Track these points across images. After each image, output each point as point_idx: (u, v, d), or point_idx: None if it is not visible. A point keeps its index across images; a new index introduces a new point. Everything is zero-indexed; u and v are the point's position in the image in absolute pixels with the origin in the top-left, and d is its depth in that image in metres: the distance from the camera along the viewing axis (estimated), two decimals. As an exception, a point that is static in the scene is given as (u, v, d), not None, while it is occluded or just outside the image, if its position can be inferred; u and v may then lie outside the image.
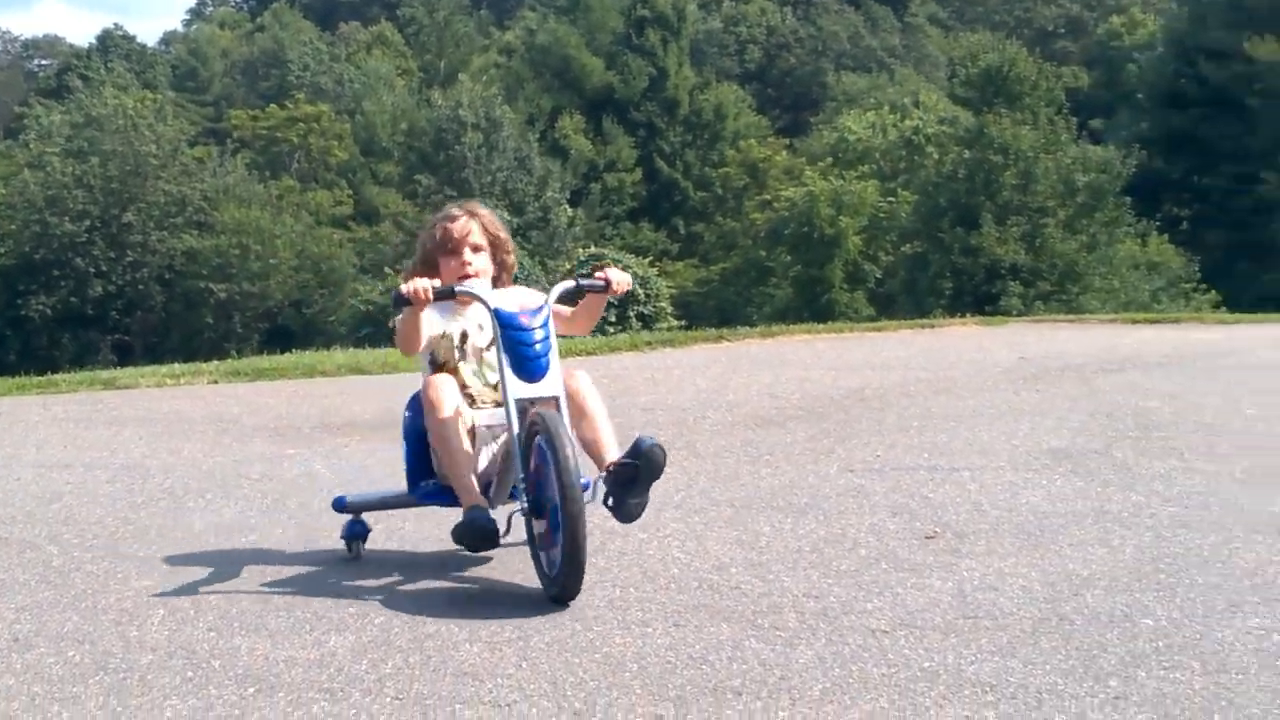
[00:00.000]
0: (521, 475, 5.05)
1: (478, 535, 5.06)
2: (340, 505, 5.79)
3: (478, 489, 5.27)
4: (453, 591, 5.19)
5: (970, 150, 43.01)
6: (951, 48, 78.18)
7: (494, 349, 5.31)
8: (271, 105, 71.70)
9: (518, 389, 5.09)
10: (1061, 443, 7.95)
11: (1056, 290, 40.13)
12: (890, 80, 76.21)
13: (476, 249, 5.64)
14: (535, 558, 5.09)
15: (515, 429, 5.07)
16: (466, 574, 5.45)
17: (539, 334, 5.16)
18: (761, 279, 54.26)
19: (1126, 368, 11.22)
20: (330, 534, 6.18)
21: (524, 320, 5.18)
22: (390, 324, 5.72)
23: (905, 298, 43.52)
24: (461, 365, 5.54)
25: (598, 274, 5.51)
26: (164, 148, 55.73)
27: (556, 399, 5.11)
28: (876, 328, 18.01)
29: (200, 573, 5.52)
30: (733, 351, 13.62)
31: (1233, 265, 47.27)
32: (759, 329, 17.18)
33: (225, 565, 5.65)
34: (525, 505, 5.03)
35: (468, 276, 5.54)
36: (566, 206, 54.22)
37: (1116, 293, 40.63)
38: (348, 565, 5.66)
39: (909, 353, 13.47)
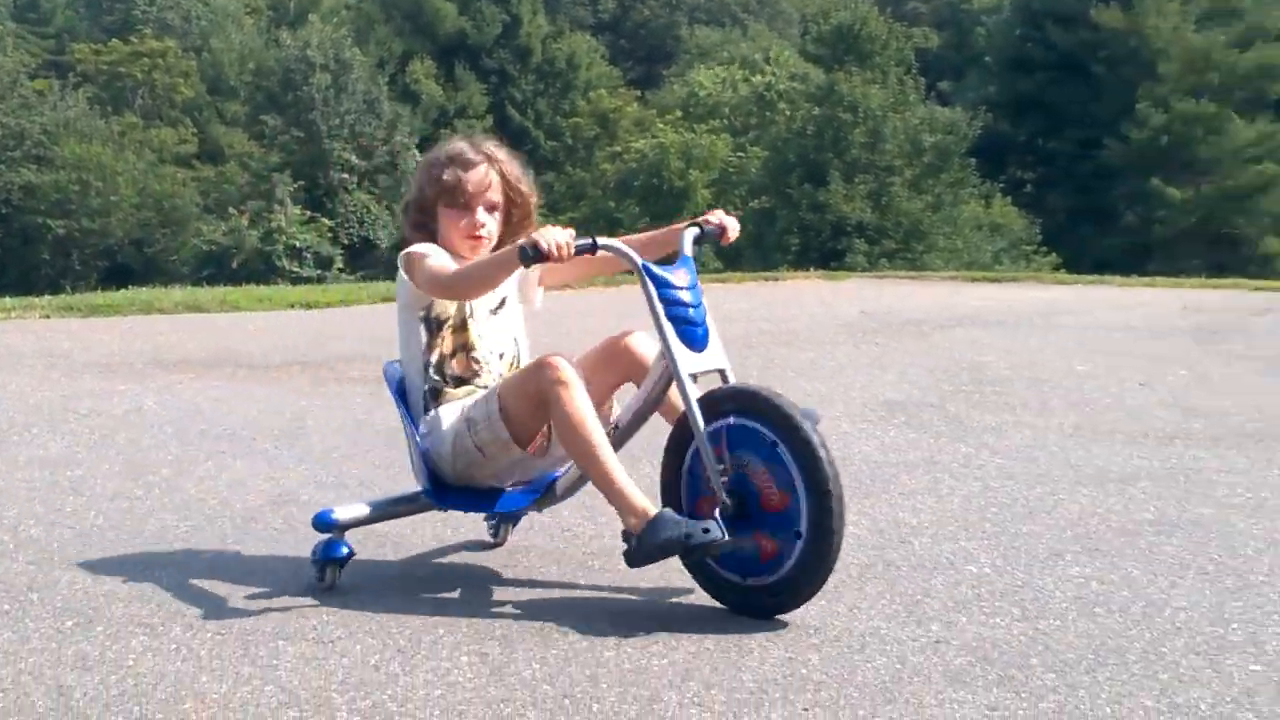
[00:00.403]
0: (722, 468, 4.13)
1: (679, 546, 4.00)
2: (327, 523, 4.42)
3: (639, 493, 4.18)
4: (280, 533, 5.12)
5: (820, 107, 43.27)
6: (804, 4, 78.51)
7: (502, 311, 4.63)
8: (115, 39, 70.17)
9: (688, 361, 4.23)
10: (898, 395, 8.04)
11: (901, 249, 40.55)
12: (743, 35, 76.42)
13: (492, 208, 4.65)
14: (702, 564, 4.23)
15: (697, 414, 4.15)
16: (298, 516, 5.38)
17: (694, 295, 4.32)
18: (610, 230, 54.14)
19: (965, 324, 11.37)
20: (158, 470, 6.09)
21: (678, 279, 4.31)
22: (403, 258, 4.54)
23: (752, 252, 43.70)
24: (470, 324, 4.58)
25: (711, 218, 4.63)
26: (2, 79, 54.34)
27: (723, 372, 4.32)
28: (721, 279, 18.08)
29: (21, 506, 5.40)
30: (575, 301, 13.59)
31: (1074, 229, 47.99)
32: (602, 279, 17.12)
33: (48, 499, 5.54)
34: (720, 503, 4.11)
35: (478, 240, 4.60)
36: (415, 152, 53.55)
37: (960, 253, 41.12)
38: (171, 501, 5.55)
39: (752, 305, 13.54)
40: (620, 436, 4.42)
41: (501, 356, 4.61)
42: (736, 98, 56.23)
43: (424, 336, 4.54)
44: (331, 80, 51.09)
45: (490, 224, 4.62)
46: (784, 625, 4.07)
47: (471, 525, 5.15)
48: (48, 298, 14.07)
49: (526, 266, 4.23)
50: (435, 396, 4.51)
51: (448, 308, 4.54)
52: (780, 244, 41.35)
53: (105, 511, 5.34)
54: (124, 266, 50.49)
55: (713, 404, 4.20)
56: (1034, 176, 51.99)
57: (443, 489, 4.47)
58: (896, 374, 8.79)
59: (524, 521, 5.20)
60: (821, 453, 4.11)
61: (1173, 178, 46.19)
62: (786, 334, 10.70)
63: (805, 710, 3.45)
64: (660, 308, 4.24)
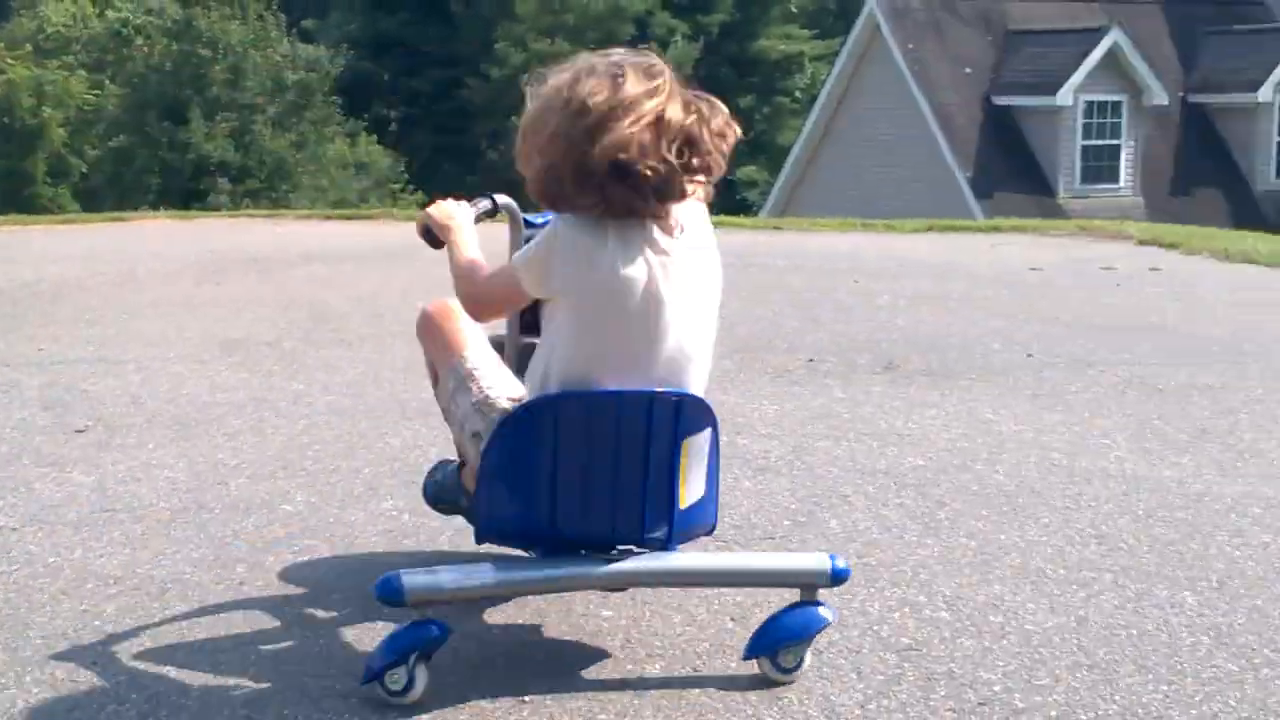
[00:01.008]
0: None
1: None
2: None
3: None
4: None
5: (178, 43, 42.16)
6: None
7: None
8: None
9: None
10: (235, 334, 7.87)
11: (266, 187, 40.04)
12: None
13: None
14: None
15: None
16: None
17: None
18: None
19: (314, 261, 11.25)
20: None
21: None
22: None
23: (110, 191, 42.24)
24: None
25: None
26: None
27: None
28: (65, 220, 17.36)
29: None
30: None
31: (439, 167, 48.64)
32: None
33: None
34: None
35: None
36: None
37: (326, 191, 40.96)
38: None
39: (95, 245, 12.99)
40: None
41: None
42: (90, 32, 54.01)
43: None
44: None
45: None
46: (86, 579, 3.92)
47: None
48: None
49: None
50: None
51: None
52: (139, 183, 40.12)
53: None
54: None
55: None
56: (398, 115, 52.34)
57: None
58: (237, 312, 8.61)
59: None
60: None
61: (532, 116, 47.43)
62: (126, 274, 10.32)
63: (94, 664, 3.33)
64: None
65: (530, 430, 3.19)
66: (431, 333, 3.65)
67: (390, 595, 3.13)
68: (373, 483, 4.91)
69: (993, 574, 3.95)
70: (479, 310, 3.46)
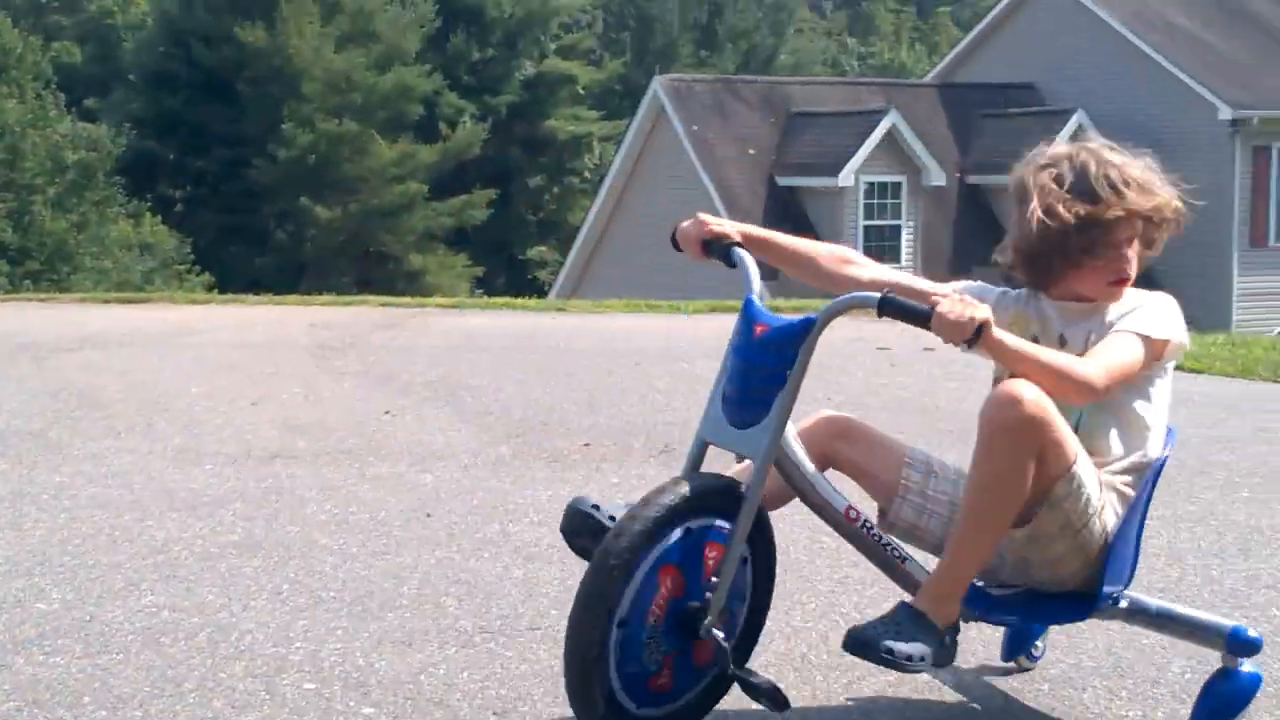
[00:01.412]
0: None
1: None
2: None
3: None
4: None
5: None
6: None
7: None
8: None
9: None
10: (-3, 425, 7.66)
11: (47, 270, 39.17)
12: None
13: None
14: None
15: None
16: None
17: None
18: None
19: (87, 347, 11.00)
20: None
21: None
22: None
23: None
24: None
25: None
26: None
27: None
28: None
29: None
30: None
31: (226, 247, 48.01)
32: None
33: None
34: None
35: None
36: None
37: (109, 273, 40.19)
38: None
39: None
40: None
41: None
42: None
43: None
44: None
45: None
46: None
47: None
48: None
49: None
50: None
51: None
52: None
53: None
54: None
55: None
56: (184, 195, 51.61)
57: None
58: (1, 401, 8.37)
59: None
60: None
61: (321, 196, 47.12)
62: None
63: None
64: None
65: (1152, 487, 3.53)
66: (1038, 427, 3.35)
67: (1254, 643, 3.41)
68: (133, 578, 4.80)
69: (757, 661, 3.95)
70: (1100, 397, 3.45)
